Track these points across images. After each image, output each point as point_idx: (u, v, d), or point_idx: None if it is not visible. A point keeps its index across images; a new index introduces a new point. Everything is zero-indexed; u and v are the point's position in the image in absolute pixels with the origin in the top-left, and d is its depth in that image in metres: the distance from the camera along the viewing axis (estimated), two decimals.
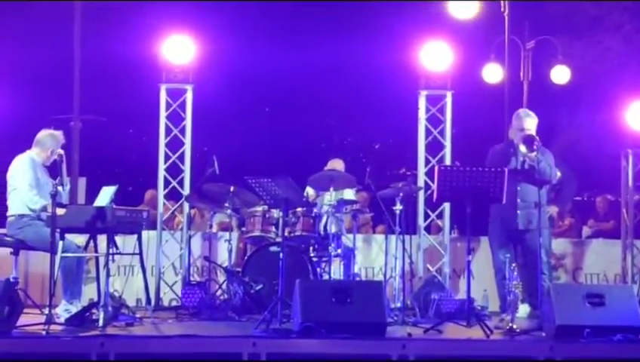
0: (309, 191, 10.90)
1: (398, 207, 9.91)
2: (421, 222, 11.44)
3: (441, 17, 14.42)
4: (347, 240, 10.66)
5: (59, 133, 9.44)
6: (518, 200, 9.50)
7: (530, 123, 9.52)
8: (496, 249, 9.62)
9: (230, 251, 10.21)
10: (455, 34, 12.37)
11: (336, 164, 11.42)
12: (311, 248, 10.41)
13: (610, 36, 18.10)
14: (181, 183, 11.33)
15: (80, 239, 9.36)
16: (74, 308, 8.77)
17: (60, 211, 8.43)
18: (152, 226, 10.91)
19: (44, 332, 7.69)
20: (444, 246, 11.40)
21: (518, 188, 9.47)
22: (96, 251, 9.16)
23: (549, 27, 15.65)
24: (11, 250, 9.13)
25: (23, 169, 9.08)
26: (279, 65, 17.83)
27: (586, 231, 14.49)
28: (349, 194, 10.87)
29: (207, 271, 10.49)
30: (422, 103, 11.55)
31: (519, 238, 9.59)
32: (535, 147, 9.09)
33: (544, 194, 9.58)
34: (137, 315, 9.03)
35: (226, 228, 11.80)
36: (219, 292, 10.21)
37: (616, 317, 7.79)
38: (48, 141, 9.30)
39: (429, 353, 7.39)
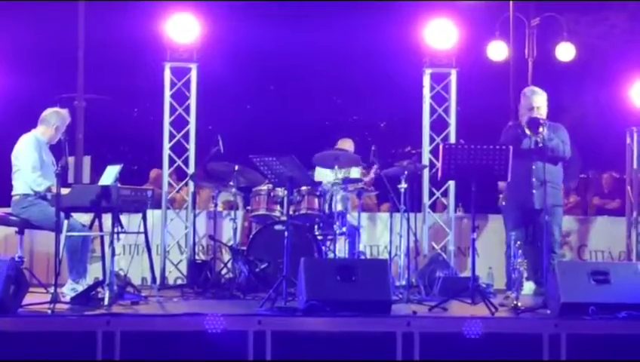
0: (321, 170, 10.82)
1: (403, 185, 9.90)
2: (426, 200, 11.44)
3: None
4: (352, 218, 10.66)
5: (64, 111, 9.43)
6: (533, 180, 9.47)
7: (539, 100, 9.47)
8: (510, 229, 9.59)
9: (235, 230, 10.21)
10: (460, 11, 12.33)
11: (346, 144, 11.44)
12: (316, 226, 10.41)
13: (616, 13, 18.03)
14: (186, 162, 11.34)
15: (85, 218, 9.37)
16: (80, 287, 8.78)
17: (65, 190, 8.43)
18: (157, 205, 10.92)
19: (49, 311, 7.69)
20: (448, 224, 11.40)
21: (533, 166, 9.44)
22: (101, 230, 9.14)
23: (554, 4, 15.57)
24: (16, 229, 9.15)
25: (27, 150, 9.06)
26: (284, 44, 17.75)
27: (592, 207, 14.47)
28: (356, 172, 10.86)
29: (212, 249, 10.51)
30: (426, 81, 11.54)
31: (535, 217, 9.56)
32: (540, 129, 9.04)
33: (559, 172, 9.57)
34: (143, 294, 9.04)
35: (231, 206, 11.81)
36: (224, 271, 10.22)
37: (621, 295, 7.76)
38: (53, 118, 9.28)
39: (434, 330, 7.41)
